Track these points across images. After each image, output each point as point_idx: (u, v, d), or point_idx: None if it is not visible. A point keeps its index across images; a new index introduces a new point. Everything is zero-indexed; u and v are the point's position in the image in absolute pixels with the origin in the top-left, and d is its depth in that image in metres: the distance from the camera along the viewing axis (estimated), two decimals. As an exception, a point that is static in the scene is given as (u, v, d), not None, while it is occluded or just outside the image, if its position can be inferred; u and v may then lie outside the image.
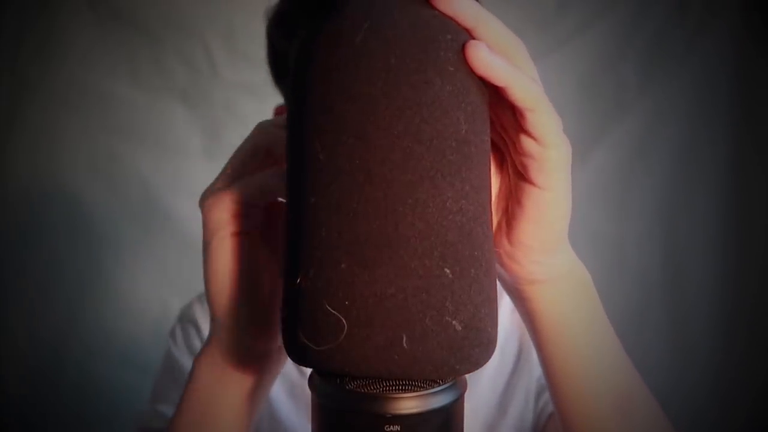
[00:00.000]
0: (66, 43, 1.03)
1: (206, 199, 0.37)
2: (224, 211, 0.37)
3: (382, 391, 0.29)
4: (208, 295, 0.38)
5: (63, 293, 1.05)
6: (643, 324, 1.11)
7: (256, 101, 0.90)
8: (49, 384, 1.04)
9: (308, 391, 0.31)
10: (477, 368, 0.30)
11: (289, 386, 0.67)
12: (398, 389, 0.29)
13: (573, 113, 1.11)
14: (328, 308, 0.28)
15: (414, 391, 0.29)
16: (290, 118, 0.31)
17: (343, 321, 0.28)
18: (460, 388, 0.31)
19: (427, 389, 0.29)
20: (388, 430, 0.28)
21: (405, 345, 0.27)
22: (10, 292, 1.04)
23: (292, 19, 0.59)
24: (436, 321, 0.28)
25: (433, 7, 0.30)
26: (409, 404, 0.29)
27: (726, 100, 1.12)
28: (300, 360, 0.30)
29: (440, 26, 0.29)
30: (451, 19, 0.29)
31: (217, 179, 0.38)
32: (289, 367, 0.64)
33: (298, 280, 0.29)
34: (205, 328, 0.67)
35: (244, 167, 0.38)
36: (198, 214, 0.36)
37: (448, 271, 0.28)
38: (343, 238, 0.28)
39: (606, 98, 1.12)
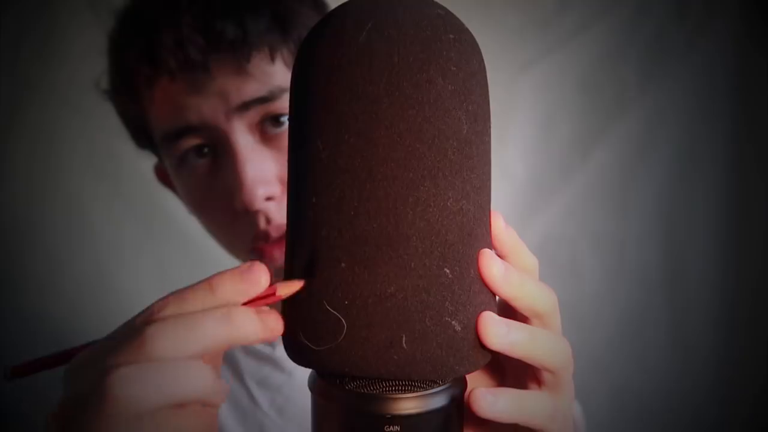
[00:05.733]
0: (66, 43, 1.02)
1: None
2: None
3: (382, 391, 0.29)
4: None
5: (63, 293, 1.05)
6: (643, 324, 1.11)
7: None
8: (50, 384, 1.03)
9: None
10: (476, 369, 0.30)
11: (241, 414, 0.60)
12: (398, 389, 0.29)
13: (573, 113, 1.11)
14: (328, 308, 0.28)
15: (413, 392, 0.29)
16: (292, 116, 0.31)
17: (343, 321, 0.27)
18: (460, 389, 0.31)
19: (426, 389, 0.29)
20: (388, 430, 0.28)
21: (404, 345, 0.27)
22: (11, 292, 1.04)
23: (131, 82, 0.58)
24: (435, 321, 0.28)
25: (436, 7, 0.30)
26: (409, 404, 0.29)
27: (726, 100, 1.11)
28: (300, 360, 0.30)
29: (443, 25, 0.29)
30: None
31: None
32: (238, 394, 0.59)
33: None
34: None
35: None
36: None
37: (448, 271, 0.28)
38: (344, 237, 0.28)
39: (606, 98, 1.11)
